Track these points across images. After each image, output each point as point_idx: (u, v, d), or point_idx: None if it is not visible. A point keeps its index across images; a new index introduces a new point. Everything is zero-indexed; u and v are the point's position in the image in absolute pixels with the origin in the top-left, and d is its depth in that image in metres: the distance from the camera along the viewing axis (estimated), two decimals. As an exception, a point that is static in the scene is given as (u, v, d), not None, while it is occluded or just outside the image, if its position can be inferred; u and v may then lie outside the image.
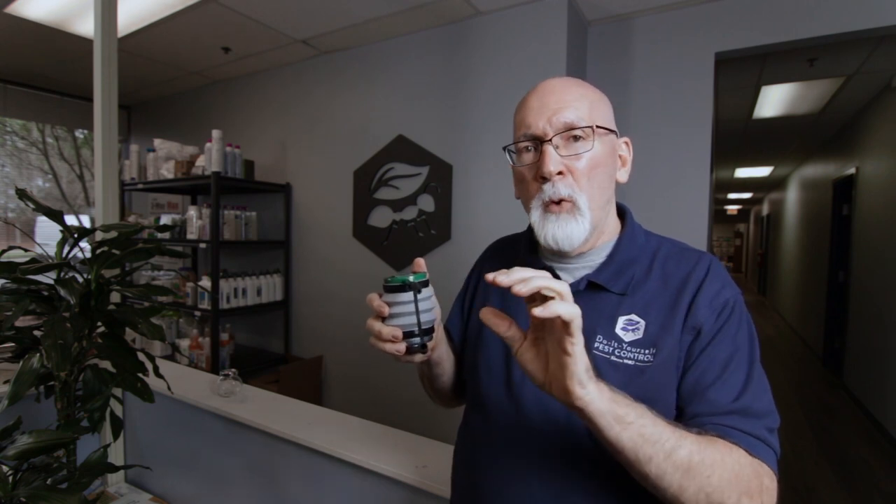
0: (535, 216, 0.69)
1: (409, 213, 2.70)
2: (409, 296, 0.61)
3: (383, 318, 0.62)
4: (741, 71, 3.06)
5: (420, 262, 0.64)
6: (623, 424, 0.51)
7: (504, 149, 0.73)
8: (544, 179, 0.67)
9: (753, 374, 0.61)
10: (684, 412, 0.61)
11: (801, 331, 6.79)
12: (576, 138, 0.67)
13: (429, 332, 0.62)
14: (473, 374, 0.78)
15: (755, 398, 0.59)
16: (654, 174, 2.27)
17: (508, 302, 0.75)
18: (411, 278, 0.61)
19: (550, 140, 0.66)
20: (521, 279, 0.49)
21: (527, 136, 0.69)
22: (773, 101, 3.77)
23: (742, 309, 0.65)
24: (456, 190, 2.53)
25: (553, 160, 0.66)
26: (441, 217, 2.58)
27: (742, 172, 7.65)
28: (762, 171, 7.59)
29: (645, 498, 0.61)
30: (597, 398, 0.50)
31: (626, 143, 0.76)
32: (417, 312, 0.61)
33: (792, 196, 7.72)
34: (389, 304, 0.61)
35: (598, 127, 0.67)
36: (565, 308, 0.47)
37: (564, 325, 0.48)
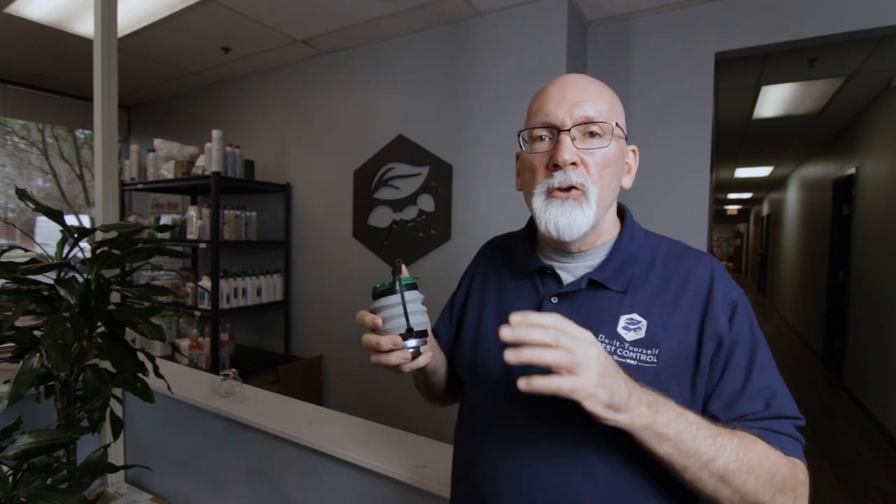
0: (538, 202, 0.69)
1: (409, 213, 2.70)
2: (399, 297, 0.62)
3: (377, 332, 0.63)
4: (741, 71, 3.06)
5: (403, 269, 0.66)
6: (660, 440, 0.54)
7: (518, 134, 0.72)
8: (556, 167, 0.67)
9: (768, 366, 0.64)
10: (718, 419, 0.62)
11: (801, 331, 6.79)
12: (592, 134, 0.67)
13: (422, 333, 0.64)
14: (472, 374, 0.77)
15: (786, 402, 0.63)
16: (655, 174, 2.26)
17: (504, 308, 0.75)
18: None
19: (569, 130, 0.66)
20: (521, 340, 0.51)
21: (544, 124, 0.68)
22: (773, 101, 3.77)
23: (747, 306, 0.67)
24: (456, 190, 2.53)
25: (569, 150, 0.66)
26: (441, 217, 2.57)
27: (742, 172, 7.65)
28: (762, 171, 7.59)
29: (649, 486, 0.62)
30: (628, 424, 0.53)
31: (634, 150, 0.76)
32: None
33: (792, 196, 7.72)
34: (381, 309, 0.63)
35: (616, 126, 0.68)
36: (546, 384, 0.50)
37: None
